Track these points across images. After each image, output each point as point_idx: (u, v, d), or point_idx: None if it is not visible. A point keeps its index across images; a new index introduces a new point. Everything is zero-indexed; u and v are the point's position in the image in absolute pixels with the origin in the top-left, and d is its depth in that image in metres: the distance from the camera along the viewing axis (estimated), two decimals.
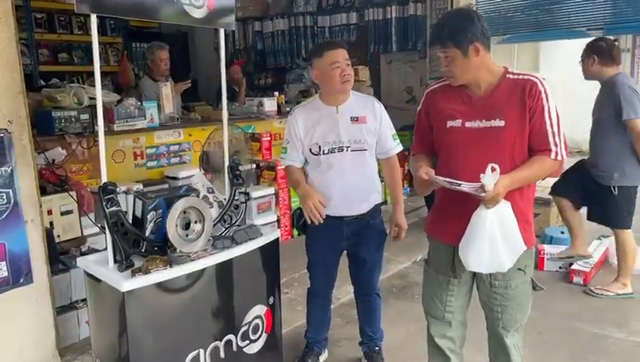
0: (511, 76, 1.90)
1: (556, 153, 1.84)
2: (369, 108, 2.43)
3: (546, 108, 1.83)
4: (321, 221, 2.30)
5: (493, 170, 1.71)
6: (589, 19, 5.05)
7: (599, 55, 3.47)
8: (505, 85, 1.89)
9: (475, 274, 2.04)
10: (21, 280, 2.41)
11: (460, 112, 1.92)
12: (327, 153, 2.40)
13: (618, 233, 3.56)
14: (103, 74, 6.47)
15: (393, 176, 2.58)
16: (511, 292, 1.98)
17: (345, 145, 2.38)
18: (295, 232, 4.79)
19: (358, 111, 2.41)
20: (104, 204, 1.81)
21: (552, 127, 1.84)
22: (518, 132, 1.85)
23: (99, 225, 2.96)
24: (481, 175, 1.71)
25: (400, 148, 2.52)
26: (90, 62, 1.82)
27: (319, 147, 2.40)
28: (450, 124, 1.94)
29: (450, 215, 1.96)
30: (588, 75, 3.59)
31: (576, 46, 9.60)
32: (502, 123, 1.85)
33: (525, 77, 1.88)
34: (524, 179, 1.87)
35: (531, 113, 1.84)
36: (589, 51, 3.53)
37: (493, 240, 1.78)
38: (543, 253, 4.06)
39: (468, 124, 1.90)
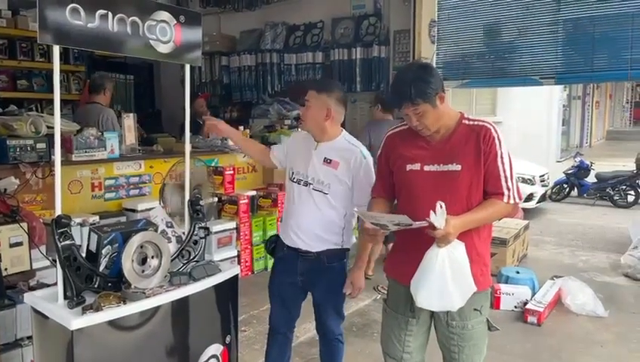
0: (466, 122, 1.98)
1: (509, 197, 1.92)
2: (346, 157, 2.39)
3: (499, 153, 1.91)
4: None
5: (440, 207, 1.75)
6: (541, 69, 5.33)
7: (382, 104, 4.85)
8: (461, 131, 1.97)
9: (432, 314, 2.06)
10: None
11: (419, 156, 1.99)
12: (295, 181, 2.46)
13: None
14: (64, 102, 6.36)
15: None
16: (467, 333, 2.01)
17: (309, 181, 2.41)
18: (255, 267, 4.75)
19: (334, 156, 2.40)
20: (57, 237, 1.75)
21: (504, 172, 1.91)
22: (473, 176, 1.92)
23: (50, 258, 2.85)
24: (431, 213, 1.75)
25: None
26: (51, 89, 1.79)
27: (292, 173, 2.49)
28: (409, 167, 2.00)
29: (408, 256, 1.99)
30: (374, 119, 5.01)
31: (532, 93, 10.13)
32: (458, 167, 1.92)
33: (480, 123, 1.97)
34: (477, 221, 1.92)
35: (485, 158, 1.91)
36: (376, 100, 4.96)
37: (444, 278, 1.81)
38: (499, 293, 4.13)
39: (426, 168, 1.97)
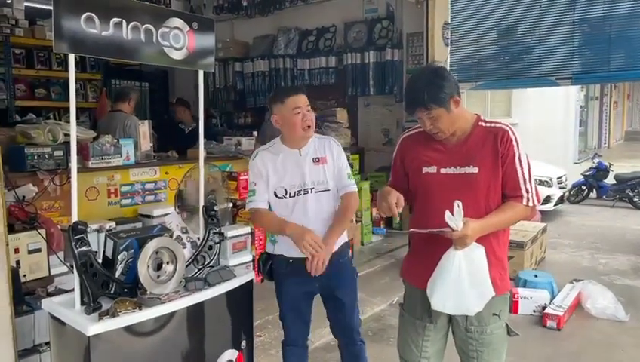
0: (483, 124, 1.96)
1: (527, 199, 1.89)
2: (327, 149, 2.45)
3: (516, 155, 1.89)
4: (320, 251, 2.23)
5: (457, 206, 1.73)
6: (557, 69, 5.27)
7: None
8: (478, 133, 1.94)
9: (450, 319, 2.03)
10: None
11: (435, 159, 1.97)
12: (293, 196, 2.38)
13: None
14: (81, 110, 6.46)
15: (343, 209, 2.45)
16: (486, 338, 1.98)
17: (309, 188, 2.38)
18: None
19: (319, 152, 2.43)
20: (73, 244, 1.77)
21: (523, 174, 1.89)
22: (491, 178, 1.90)
23: (68, 264, 2.88)
24: (447, 213, 1.72)
25: (355, 188, 2.49)
26: (68, 98, 1.81)
27: (285, 190, 2.38)
28: (425, 170, 1.98)
29: (425, 260, 1.96)
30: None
31: (547, 94, 10.02)
32: (476, 169, 1.90)
33: (497, 125, 1.95)
34: (497, 224, 1.90)
35: (503, 160, 1.89)
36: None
37: (460, 282, 1.79)
38: (517, 297, 4.07)
39: (443, 171, 1.95)
